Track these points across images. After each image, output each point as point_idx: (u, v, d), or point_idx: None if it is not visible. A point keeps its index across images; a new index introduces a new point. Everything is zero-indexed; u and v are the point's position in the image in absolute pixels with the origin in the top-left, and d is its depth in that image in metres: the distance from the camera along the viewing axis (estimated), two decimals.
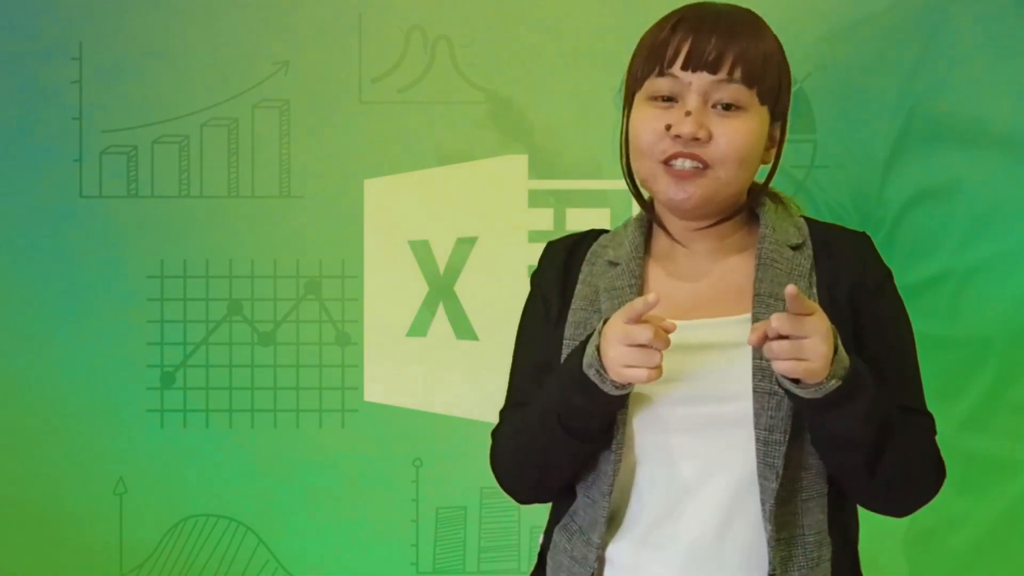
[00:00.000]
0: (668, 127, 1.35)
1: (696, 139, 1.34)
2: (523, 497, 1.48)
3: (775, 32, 1.39)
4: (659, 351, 1.25)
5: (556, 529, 1.43)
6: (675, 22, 1.37)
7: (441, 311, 2.07)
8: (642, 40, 1.41)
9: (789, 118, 1.44)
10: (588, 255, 1.47)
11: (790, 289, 1.22)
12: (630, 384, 1.29)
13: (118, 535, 2.10)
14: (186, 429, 2.10)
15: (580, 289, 1.44)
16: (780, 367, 1.24)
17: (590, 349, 1.30)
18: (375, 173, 2.09)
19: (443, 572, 2.08)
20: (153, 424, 2.10)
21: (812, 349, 1.23)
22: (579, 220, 2.04)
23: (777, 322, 1.22)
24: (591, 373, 1.29)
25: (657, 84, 1.36)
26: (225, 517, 2.11)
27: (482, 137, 2.07)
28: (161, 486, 2.10)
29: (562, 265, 1.47)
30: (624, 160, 1.43)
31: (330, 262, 2.09)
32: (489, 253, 2.08)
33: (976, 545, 2.02)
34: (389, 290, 2.08)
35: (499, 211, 2.06)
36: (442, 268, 2.08)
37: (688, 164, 1.35)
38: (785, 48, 1.39)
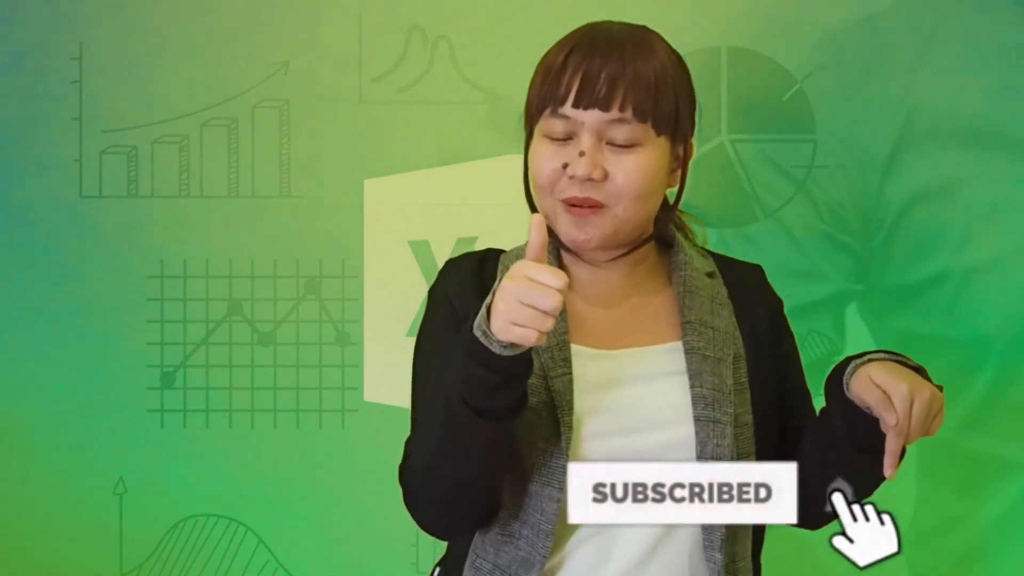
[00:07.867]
0: (565, 166, 1.33)
1: (591, 179, 1.32)
2: (446, 524, 1.41)
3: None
4: (552, 316, 1.17)
5: (466, 567, 1.38)
6: (568, 50, 1.35)
7: None
8: (542, 62, 1.38)
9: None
10: (499, 275, 1.37)
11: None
12: (519, 346, 1.19)
13: (118, 535, 2.10)
14: (186, 429, 2.10)
15: None
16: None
17: (483, 308, 1.21)
18: (375, 173, 2.09)
19: None
20: (153, 424, 2.10)
21: (931, 398, 1.33)
22: None
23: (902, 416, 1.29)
24: (478, 334, 1.20)
25: (552, 124, 1.35)
26: (225, 517, 2.10)
27: (482, 137, 2.07)
28: (161, 486, 2.10)
29: (476, 283, 1.40)
30: (527, 188, 1.41)
31: (330, 262, 2.09)
32: None
33: (976, 545, 2.02)
34: (389, 290, 2.08)
35: (499, 211, 2.06)
36: None
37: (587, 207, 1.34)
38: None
